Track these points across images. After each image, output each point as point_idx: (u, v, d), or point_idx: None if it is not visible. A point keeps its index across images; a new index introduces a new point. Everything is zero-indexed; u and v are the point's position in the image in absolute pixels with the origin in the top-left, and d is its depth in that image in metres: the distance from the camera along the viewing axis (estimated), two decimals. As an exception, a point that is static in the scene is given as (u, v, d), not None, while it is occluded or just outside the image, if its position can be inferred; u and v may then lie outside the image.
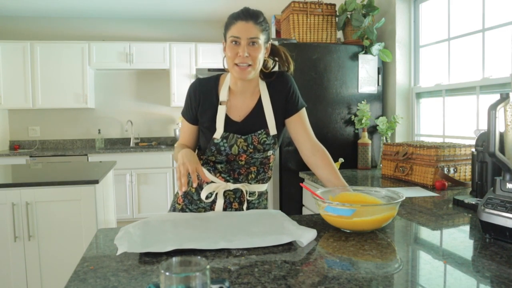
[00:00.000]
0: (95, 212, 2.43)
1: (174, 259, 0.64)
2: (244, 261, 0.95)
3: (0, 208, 2.33)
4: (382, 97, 2.85)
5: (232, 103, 1.40)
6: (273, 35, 3.28)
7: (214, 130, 1.37)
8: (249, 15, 1.28)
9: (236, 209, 1.44)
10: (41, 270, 2.39)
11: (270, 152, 1.42)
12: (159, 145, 5.19)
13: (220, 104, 1.38)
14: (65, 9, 4.79)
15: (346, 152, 2.72)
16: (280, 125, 1.43)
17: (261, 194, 1.49)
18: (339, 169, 2.55)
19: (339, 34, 3.10)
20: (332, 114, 2.72)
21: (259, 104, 1.40)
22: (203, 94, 1.40)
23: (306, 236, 1.07)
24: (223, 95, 1.38)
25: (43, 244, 2.39)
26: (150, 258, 0.97)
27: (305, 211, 2.61)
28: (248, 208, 1.46)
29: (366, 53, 2.74)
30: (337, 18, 2.85)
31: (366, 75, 2.77)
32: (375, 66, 2.79)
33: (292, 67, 1.47)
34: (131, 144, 5.17)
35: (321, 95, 2.69)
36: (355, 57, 2.73)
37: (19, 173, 2.85)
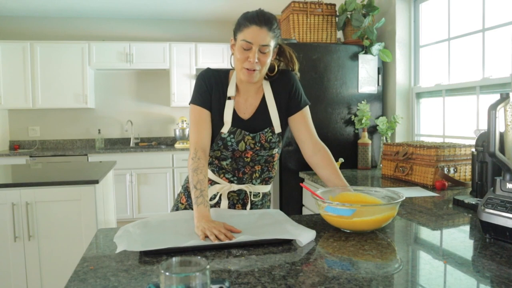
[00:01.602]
0: (95, 212, 2.43)
1: (174, 259, 0.64)
2: (244, 261, 0.95)
3: (0, 208, 2.32)
4: (382, 97, 2.85)
5: (237, 100, 1.41)
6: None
7: (220, 124, 1.37)
8: (264, 20, 1.27)
9: None
10: (41, 270, 2.39)
11: (275, 150, 1.43)
12: (159, 145, 5.18)
13: (229, 99, 1.38)
14: (65, 9, 4.79)
15: (346, 152, 2.72)
16: (284, 123, 1.44)
17: (264, 195, 1.49)
18: (339, 169, 2.56)
19: (339, 34, 3.10)
20: (332, 114, 2.71)
21: (263, 103, 1.41)
22: (215, 84, 1.40)
23: (305, 235, 1.07)
24: (231, 90, 1.39)
25: (43, 244, 2.39)
26: (150, 258, 0.97)
27: (305, 211, 2.61)
28: (251, 209, 1.45)
29: (366, 53, 2.74)
30: (337, 18, 2.85)
31: (366, 75, 2.77)
32: (375, 66, 2.79)
33: (296, 67, 1.47)
34: (131, 144, 5.17)
35: (321, 95, 2.69)
36: (355, 57, 2.73)
37: (19, 173, 2.85)
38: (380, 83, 2.82)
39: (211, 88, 1.39)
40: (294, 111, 1.43)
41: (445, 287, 0.81)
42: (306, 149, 1.45)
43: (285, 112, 1.43)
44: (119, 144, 5.29)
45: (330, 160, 1.43)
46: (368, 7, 2.72)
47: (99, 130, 5.18)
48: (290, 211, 2.62)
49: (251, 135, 1.37)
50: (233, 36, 1.35)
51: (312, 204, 2.47)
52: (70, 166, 3.21)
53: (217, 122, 1.38)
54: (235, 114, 1.39)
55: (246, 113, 1.40)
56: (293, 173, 2.64)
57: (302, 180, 2.56)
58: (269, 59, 1.31)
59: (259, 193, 1.46)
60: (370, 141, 2.66)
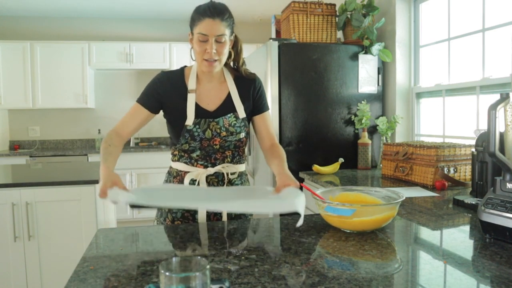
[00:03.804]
0: (95, 212, 2.43)
1: (174, 259, 0.65)
2: (244, 261, 0.95)
3: (0, 208, 2.33)
4: (382, 97, 2.85)
5: (201, 91, 1.45)
6: (273, 35, 3.28)
7: (184, 117, 1.41)
8: (216, 12, 1.31)
9: None
10: (41, 270, 2.39)
11: (242, 135, 1.47)
12: (159, 145, 5.19)
13: (189, 92, 1.43)
14: (65, 9, 4.79)
15: (346, 152, 2.72)
16: (248, 111, 1.49)
17: (241, 174, 1.54)
18: (339, 169, 2.56)
19: (339, 34, 3.10)
20: (332, 114, 2.71)
21: (228, 98, 1.46)
22: (171, 86, 1.44)
23: (297, 203, 1.09)
24: (191, 84, 1.44)
25: (43, 244, 2.39)
26: (150, 258, 0.97)
27: (305, 211, 2.61)
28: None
29: (366, 53, 2.74)
30: (337, 18, 2.84)
31: (366, 75, 2.77)
32: (375, 66, 2.79)
33: (241, 62, 1.50)
34: (131, 144, 5.17)
35: (321, 95, 2.69)
36: (355, 57, 2.73)
37: (19, 173, 2.85)
38: (380, 83, 2.82)
39: (164, 90, 1.44)
40: (256, 113, 1.51)
41: (445, 287, 0.82)
42: (263, 147, 1.53)
43: (248, 106, 1.49)
44: (119, 144, 5.29)
45: (280, 153, 1.46)
46: (368, 7, 2.72)
47: (99, 130, 5.18)
48: (290, 211, 2.62)
49: (215, 120, 1.42)
50: (190, 31, 1.39)
51: (312, 204, 2.47)
52: (70, 166, 3.21)
53: (181, 116, 1.42)
54: (198, 106, 1.43)
55: (210, 105, 1.44)
56: (293, 173, 2.62)
57: (302, 180, 2.56)
58: (226, 48, 1.37)
59: (236, 172, 1.51)
60: (370, 141, 2.66)
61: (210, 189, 1.35)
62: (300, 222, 1.08)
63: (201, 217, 1.43)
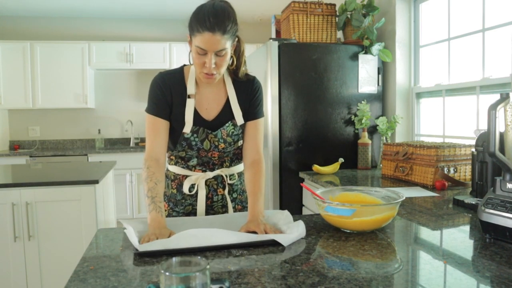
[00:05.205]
0: (95, 212, 2.43)
1: (174, 259, 0.65)
2: (244, 261, 0.95)
3: (0, 208, 2.33)
4: (382, 97, 2.85)
5: (200, 96, 1.39)
6: (273, 35, 3.28)
7: (183, 124, 1.36)
8: (217, 24, 1.19)
9: (222, 195, 1.46)
10: (41, 270, 2.39)
11: (240, 142, 1.42)
12: (159, 145, 5.18)
13: (189, 98, 1.36)
14: (65, 9, 4.80)
15: (346, 152, 2.72)
16: (246, 117, 1.42)
17: (240, 174, 1.51)
18: (339, 169, 2.56)
19: (339, 34, 3.10)
20: (332, 114, 2.71)
21: (227, 106, 1.40)
22: (173, 87, 1.37)
23: (291, 234, 1.09)
24: (190, 88, 1.37)
25: (43, 244, 2.39)
26: (150, 258, 0.97)
27: (305, 211, 2.61)
28: (233, 191, 1.49)
29: (366, 53, 2.74)
30: (337, 18, 2.84)
31: (366, 75, 2.77)
32: (375, 66, 2.79)
33: (242, 65, 1.41)
34: (131, 144, 5.17)
35: (321, 95, 2.69)
36: (355, 57, 2.73)
37: (19, 173, 2.85)
38: (380, 83, 2.82)
39: (169, 92, 1.36)
40: (249, 119, 1.42)
41: (445, 287, 0.82)
42: (245, 159, 1.43)
43: (244, 111, 1.42)
44: (119, 144, 5.29)
45: (258, 179, 1.36)
46: (368, 7, 2.72)
47: (99, 130, 5.18)
48: (290, 211, 2.61)
49: (213, 133, 1.37)
50: (188, 33, 1.29)
51: (312, 204, 2.47)
52: (70, 166, 3.21)
53: (179, 121, 1.36)
54: (196, 114, 1.37)
55: (209, 112, 1.39)
56: (293, 173, 2.64)
57: (302, 180, 2.56)
58: (226, 59, 1.27)
59: (234, 174, 1.48)
60: (370, 141, 2.66)
61: (213, 220, 1.30)
62: (286, 242, 1.06)
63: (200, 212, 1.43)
